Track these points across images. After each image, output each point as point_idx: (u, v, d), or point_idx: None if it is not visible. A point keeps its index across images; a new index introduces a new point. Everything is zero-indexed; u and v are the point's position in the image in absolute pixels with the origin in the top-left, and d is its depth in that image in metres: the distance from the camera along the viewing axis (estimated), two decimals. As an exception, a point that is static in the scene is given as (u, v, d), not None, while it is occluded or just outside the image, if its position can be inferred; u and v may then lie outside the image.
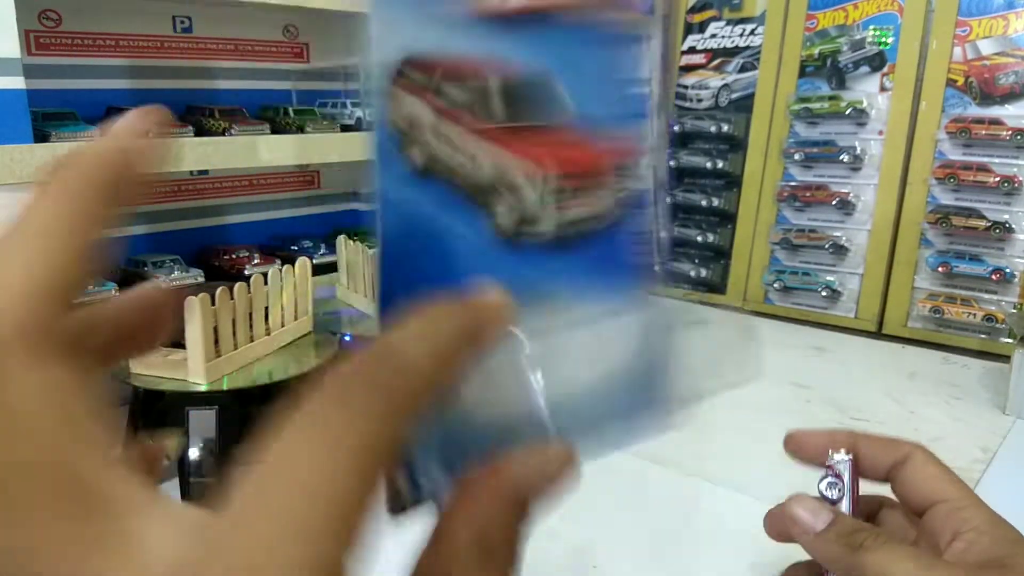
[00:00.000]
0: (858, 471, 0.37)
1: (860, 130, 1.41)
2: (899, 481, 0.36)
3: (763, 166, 1.52)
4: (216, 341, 0.73)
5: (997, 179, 1.25)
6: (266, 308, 0.79)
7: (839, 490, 0.36)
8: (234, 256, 1.02)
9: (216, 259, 1.02)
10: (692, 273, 1.61)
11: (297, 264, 0.85)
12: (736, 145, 1.56)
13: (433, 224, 0.22)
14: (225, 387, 0.71)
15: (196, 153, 0.88)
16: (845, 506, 0.35)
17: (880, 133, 1.39)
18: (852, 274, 1.42)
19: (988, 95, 1.28)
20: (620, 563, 0.68)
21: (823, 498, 0.36)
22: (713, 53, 1.60)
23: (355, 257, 0.97)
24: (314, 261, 1.03)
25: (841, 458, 0.36)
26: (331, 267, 1.07)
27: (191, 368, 0.72)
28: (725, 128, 1.56)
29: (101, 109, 0.95)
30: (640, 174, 0.23)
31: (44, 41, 0.92)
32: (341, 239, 0.99)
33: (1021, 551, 0.31)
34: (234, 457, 0.73)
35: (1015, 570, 0.30)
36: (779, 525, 0.36)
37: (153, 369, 0.73)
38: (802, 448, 0.39)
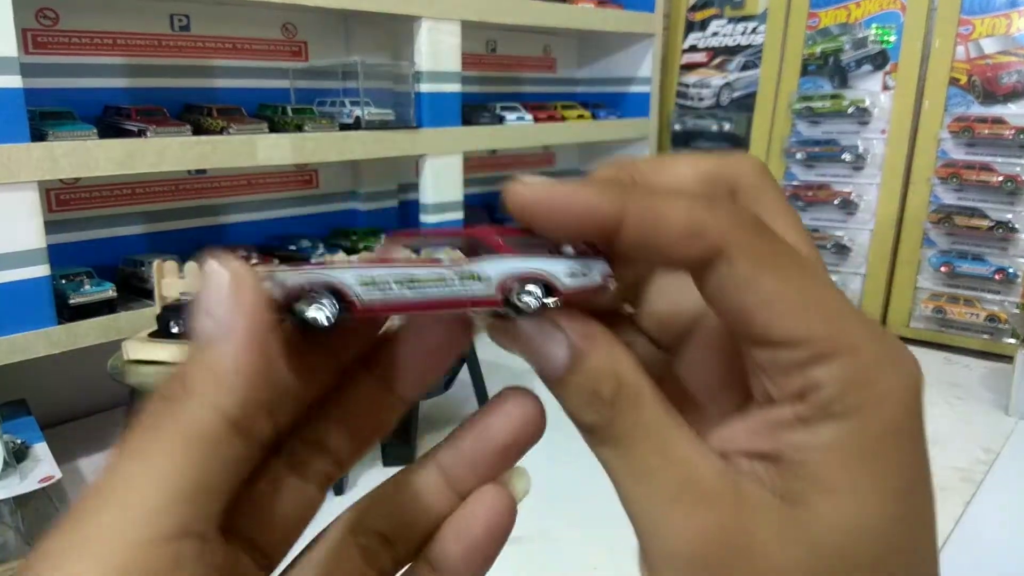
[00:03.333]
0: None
1: (862, 129, 1.40)
2: (710, 283, 0.19)
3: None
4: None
5: (1000, 178, 1.25)
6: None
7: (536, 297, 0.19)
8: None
9: (214, 259, 1.02)
10: (693, 273, 1.61)
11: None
12: (738, 144, 1.56)
13: None
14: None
15: (194, 152, 0.88)
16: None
17: (882, 132, 1.38)
18: (854, 274, 1.41)
19: (991, 94, 1.28)
20: (620, 564, 0.67)
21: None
22: (714, 51, 1.60)
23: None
24: (312, 261, 1.02)
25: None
26: (330, 267, 1.06)
27: None
28: (727, 127, 1.55)
29: (99, 108, 0.95)
30: None
31: (41, 40, 0.92)
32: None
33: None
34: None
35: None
36: None
37: None
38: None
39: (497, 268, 0.19)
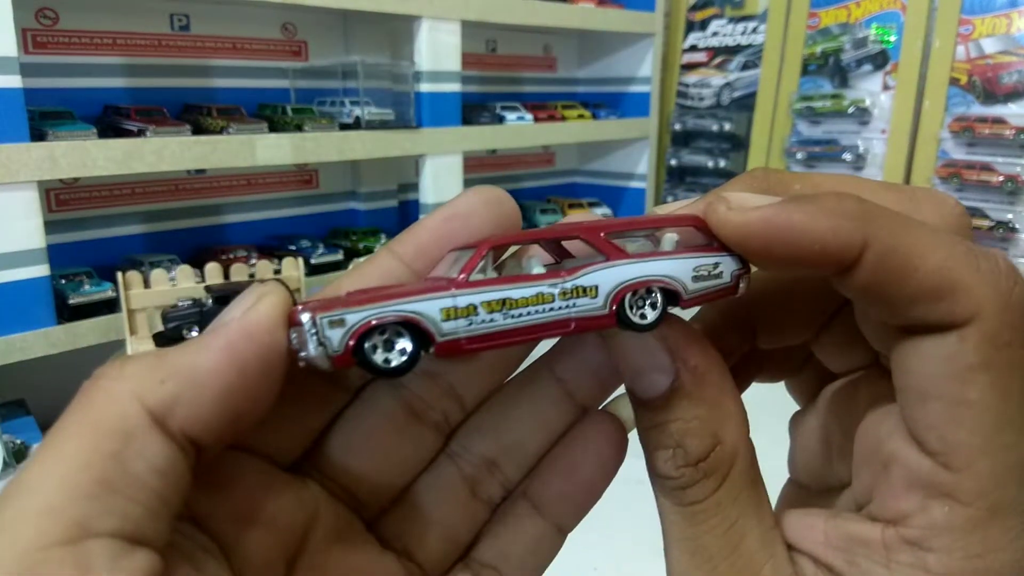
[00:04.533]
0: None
1: (863, 129, 1.40)
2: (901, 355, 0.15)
3: (765, 165, 1.51)
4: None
5: (1001, 179, 1.25)
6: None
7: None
8: (231, 256, 1.01)
9: (213, 259, 1.01)
10: (693, 273, 1.61)
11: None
12: (738, 144, 1.56)
13: None
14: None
15: (193, 152, 0.88)
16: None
17: (883, 132, 1.38)
18: (854, 274, 1.41)
19: (991, 94, 1.28)
20: (620, 565, 0.67)
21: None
22: (715, 51, 1.59)
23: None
24: (312, 261, 1.02)
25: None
26: (329, 267, 1.06)
27: None
28: (727, 127, 1.55)
29: (98, 108, 0.95)
30: None
31: (41, 39, 0.92)
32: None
33: None
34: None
35: None
36: None
37: None
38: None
39: (609, 277, 0.15)
